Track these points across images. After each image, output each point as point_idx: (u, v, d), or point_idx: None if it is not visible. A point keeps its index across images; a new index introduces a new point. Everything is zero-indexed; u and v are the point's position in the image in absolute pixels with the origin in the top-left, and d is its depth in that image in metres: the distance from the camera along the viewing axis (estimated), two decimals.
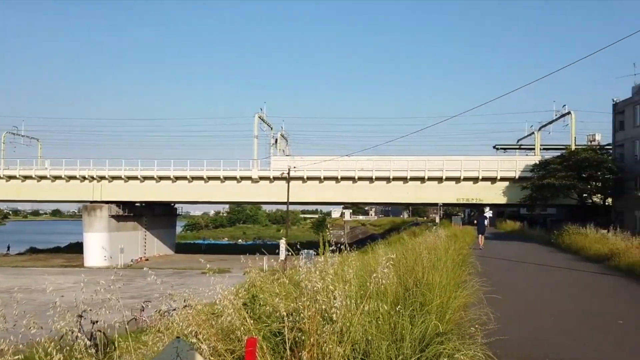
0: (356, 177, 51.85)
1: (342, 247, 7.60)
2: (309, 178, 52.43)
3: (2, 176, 55.28)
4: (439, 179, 51.32)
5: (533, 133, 60.49)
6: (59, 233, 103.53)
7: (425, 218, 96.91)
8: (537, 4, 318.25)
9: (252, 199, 61.90)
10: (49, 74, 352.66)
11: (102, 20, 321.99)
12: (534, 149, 59.35)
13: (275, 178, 52.49)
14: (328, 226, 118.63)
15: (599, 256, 20.76)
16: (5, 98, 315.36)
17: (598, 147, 51.50)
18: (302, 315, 4.72)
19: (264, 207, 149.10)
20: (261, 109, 58.21)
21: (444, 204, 56.51)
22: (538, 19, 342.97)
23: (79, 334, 4.95)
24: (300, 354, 4.46)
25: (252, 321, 4.96)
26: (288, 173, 50.27)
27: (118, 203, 55.47)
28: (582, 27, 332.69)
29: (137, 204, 58.97)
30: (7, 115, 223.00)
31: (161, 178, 54.17)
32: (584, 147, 49.94)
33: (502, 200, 51.77)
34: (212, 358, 4.55)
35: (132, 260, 54.49)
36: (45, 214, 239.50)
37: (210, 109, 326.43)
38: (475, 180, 51.06)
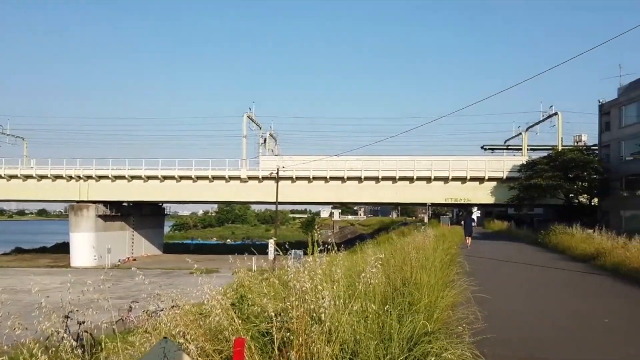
0: (345, 177, 51.89)
1: (330, 247, 7.59)
2: (298, 178, 52.37)
3: None
4: (428, 179, 51.54)
5: (520, 133, 61.02)
6: (45, 233, 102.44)
7: (414, 218, 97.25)
8: (524, 4, 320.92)
9: (241, 199, 61.68)
10: (34, 72, 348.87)
11: (89, 18, 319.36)
12: (521, 149, 59.86)
13: (264, 178, 52.37)
14: (316, 227, 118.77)
15: (585, 256, 20.97)
16: None
17: (584, 147, 51.98)
18: (290, 315, 4.72)
19: (253, 207, 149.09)
20: (250, 109, 58.17)
21: (433, 204, 56.71)
22: (527, 20, 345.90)
23: (65, 335, 4.90)
24: (288, 353, 4.46)
25: (240, 321, 4.94)
26: (277, 173, 50.19)
27: (105, 203, 54.98)
28: (570, 28, 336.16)
29: (124, 204, 58.49)
30: None
31: (149, 177, 53.78)
32: (570, 147, 50.38)
33: (490, 200, 52.10)
34: (199, 358, 4.52)
35: (119, 261, 54.05)
36: (31, 213, 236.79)
37: (198, 109, 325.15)
38: (463, 180, 51.35)
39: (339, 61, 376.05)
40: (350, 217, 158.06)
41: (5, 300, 5.49)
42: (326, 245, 7.28)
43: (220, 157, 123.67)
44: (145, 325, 6.23)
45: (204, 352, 4.63)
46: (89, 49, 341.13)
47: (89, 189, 54.15)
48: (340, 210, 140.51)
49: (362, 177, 51.75)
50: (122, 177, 53.88)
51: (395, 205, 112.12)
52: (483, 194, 51.65)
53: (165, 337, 4.33)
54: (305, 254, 7.09)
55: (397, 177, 51.57)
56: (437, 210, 78.78)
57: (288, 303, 4.89)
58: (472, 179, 51.19)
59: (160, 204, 67.29)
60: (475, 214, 72.92)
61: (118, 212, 57.35)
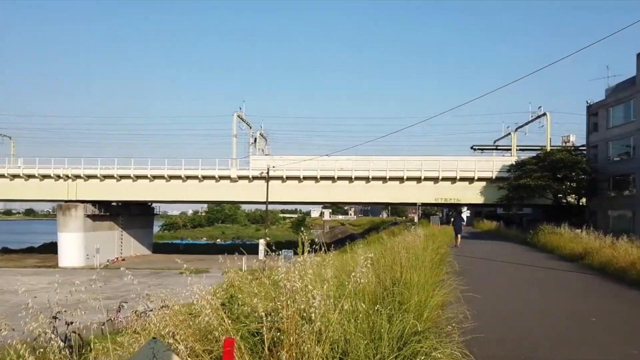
0: (335, 177, 51.93)
1: (319, 247, 7.59)
2: (289, 177, 52.34)
3: None
4: (418, 179, 51.72)
5: (510, 134, 61.47)
6: (33, 233, 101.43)
7: (404, 218, 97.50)
8: (514, 4, 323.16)
9: (231, 199, 61.54)
10: (20, 70, 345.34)
11: (77, 14, 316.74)
12: (510, 149, 60.28)
13: (255, 177, 52.28)
14: (308, 227, 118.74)
15: (574, 255, 21.16)
16: None
17: (573, 148, 52.49)
18: (281, 315, 4.71)
19: (243, 206, 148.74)
20: (240, 108, 58.03)
21: (423, 204, 56.94)
22: (517, 21, 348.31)
23: (53, 336, 4.86)
24: (279, 353, 4.45)
25: (230, 321, 4.93)
26: (267, 172, 50.12)
27: (94, 202, 54.55)
28: (560, 29, 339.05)
29: (113, 204, 58.08)
30: None
31: (138, 177, 53.47)
32: (559, 148, 50.83)
33: (480, 200, 52.41)
34: (189, 359, 4.50)
35: (108, 261, 53.67)
36: (18, 213, 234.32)
37: (188, 108, 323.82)
38: (453, 180, 51.60)
39: (331, 61, 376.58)
40: (340, 216, 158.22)
41: None
42: (314, 246, 7.27)
43: (210, 156, 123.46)
44: (135, 326, 6.20)
45: (194, 352, 4.61)
46: (77, 47, 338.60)
47: (77, 189, 53.70)
48: (330, 210, 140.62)
49: (353, 177, 51.82)
50: (110, 177, 53.50)
51: (385, 205, 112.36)
52: (472, 194, 51.95)
53: (154, 338, 4.31)
54: (296, 253, 7.08)
55: (388, 177, 51.70)
56: (427, 210, 79.02)
57: (278, 303, 4.88)
58: (462, 179, 51.47)
59: (150, 204, 66.92)
60: (465, 213, 73.28)
61: (107, 211, 56.94)
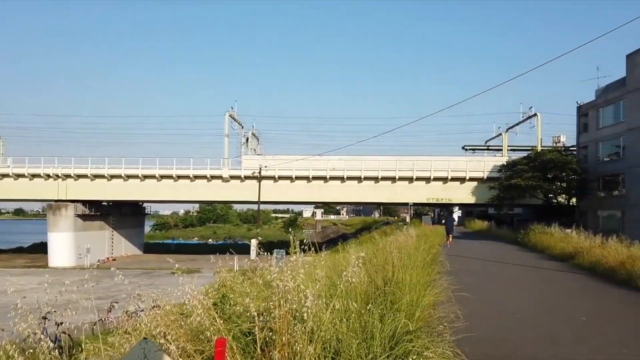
0: (328, 177, 51.95)
1: (312, 246, 7.58)
2: (281, 177, 52.29)
3: None
4: (410, 179, 51.86)
5: (501, 134, 61.82)
6: (22, 233, 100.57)
7: (396, 217, 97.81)
8: (505, 4, 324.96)
9: (223, 198, 61.37)
10: (9, 68, 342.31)
11: (69, 14, 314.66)
12: (501, 149, 60.61)
13: (247, 177, 52.17)
14: (300, 226, 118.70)
15: (564, 255, 21.31)
16: None
17: (563, 148, 52.83)
18: (273, 314, 4.70)
19: (235, 206, 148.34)
20: (232, 108, 57.92)
21: (415, 204, 57.12)
22: (509, 21, 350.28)
23: (42, 336, 4.82)
24: (271, 353, 4.44)
25: (222, 321, 4.91)
26: (259, 172, 50.04)
27: (84, 202, 54.17)
28: (551, 30, 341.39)
29: (104, 203, 57.70)
30: None
31: (129, 177, 53.17)
32: (549, 148, 51.14)
33: (471, 200, 52.65)
34: (180, 359, 4.48)
35: (98, 261, 53.29)
36: (8, 213, 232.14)
37: (180, 107, 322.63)
38: (444, 180, 51.80)
39: (324, 61, 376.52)
40: (332, 216, 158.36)
41: None
42: (303, 247, 7.27)
43: (202, 156, 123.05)
44: (125, 326, 6.16)
45: (185, 353, 4.60)
46: (68, 45, 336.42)
47: (67, 188, 53.31)
48: (322, 210, 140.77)
49: (345, 177, 51.86)
50: (101, 176, 53.16)
51: (377, 205, 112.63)
52: (464, 194, 52.18)
53: (145, 338, 4.29)
54: (288, 253, 7.09)
55: (380, 177, 51.80)
56: (419, 210, 79.30)
57: (271, 303, 4.88)
58: (454, 179, 51.68)
59: (141, 204, 66.56)
60: (456, 213, 73.65)
61: (97, 211, 56.58)
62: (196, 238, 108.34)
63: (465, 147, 68.22)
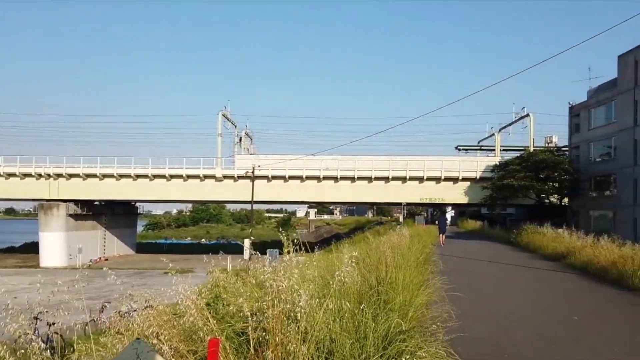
0: (321, 177, 51.94)
1: (301, 246, 7.57)
2: (274, 177, 52.23)
3: None
4: (403, 179, 51.96)
5: (494, 134, 62.04)
6: (13, 232, 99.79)
7: (389, 217, 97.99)
8: (499, 5, 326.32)
9: (216, 198, 61.20)
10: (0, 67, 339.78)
11: (63, 12, 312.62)
12: (494, 149, 60.83)
13: (240, 177, 52.06)
14: (294, 226, 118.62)
15: (556, 254, 21.42)
16: None
17: (555, 148, 53.09)
18: (266, 314, 4.69)
19: (228, 206, 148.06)
20: (225, 107, 57.76)
21: (408, 204, 57.22)
22: (501, 22, 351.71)
23: (34, 337, 4.78)
24: (264, 353, 4.44)
25: (215, 321, 4.90)
26: (252, 172, 49.95)
27: (76, 202, 53.87)
28: (544, 31, 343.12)
29: (96, 203, 57.40)
30: None
31: (121, 176, 52.92)
32: (541, 148, 51.38)
33: (464, 199, 52.81)
34: (173, 359, 4.46)
35: (90, 261, 53.05)
36: None
37: (173, 107, 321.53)
38: (437, 180, 51.92)
39: (317, 61, 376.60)
40: (326, 216, 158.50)
41: None
42: (294, 247, 7.27)
43: (195, 155, 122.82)
44: (118, 326, 6.13)
45: (178, 353, 4.58)
46: (59, 43, 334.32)
47: (59, 188, 52.99)
48: (316, 210, 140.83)
49: (338, 176, 51.89)
50: (93, 176, 52.88)
51: (371, 205, 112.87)
52: (457, 194, 52.34)
53: (138, 338, 4.27)
54: (281, 253, 7.08)
55: (373, 177, 51.86)
56: (412, 210, 79.52)
57: (264, 303, 4.87)
58: (447, 179, 51.82)
59: (133, 203, 66.25)
60: (449, 213, 73.85)
61: (89, 211, 56.27)
62: (189, 238, 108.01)
63: (459, 147, 68.45)
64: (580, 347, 7.43)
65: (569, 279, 15.83)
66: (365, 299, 6.32)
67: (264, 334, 4.61)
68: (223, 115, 56.55)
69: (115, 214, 61.61)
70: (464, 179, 51.78)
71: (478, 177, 51.02)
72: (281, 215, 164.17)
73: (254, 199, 51.30)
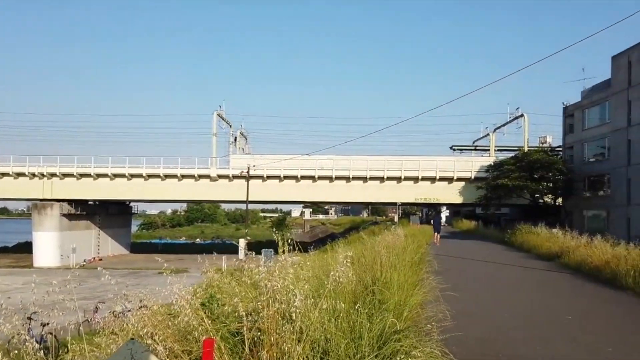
0: (316, 177, 51.94)
1: (295, 246, 7.57)
2: (269, 177, 52.19)
3: None
4: (398, 179, 52.01)
5: (488, 134, 62.16)
6: (7, 232, 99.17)
7: (384, 217, 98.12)
8: (494, 5, 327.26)
9: (211, 198, 61.07)
10: None
11: (58, 10, 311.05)
12: (489, 149, 60.98)
13: (235, 177, 51.98)
14: (289, 226, 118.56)
15: (550, 254, 21.50)
16: None
17: (549, 148, 53.29)
18: (261, 314, 4.69)
19: (223, 206, 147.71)
20: (220, 107, 57.55)
21: (403, 204, 57.31)
22: (496, 22, 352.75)
23: (27, 337, 4.76)
24: (259, 353, 4.43)
25: (210, 321, 4.89)
26: (247, 171, 49.88)
27: (70, 201, 53.62)
28: (539, 31, 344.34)
29: (90, 203, 57.15)
30: None
31: (116, 176, 52.72)
32: (536, 148, 51.56)
33: (459, 199, 52.92)
34: (168, 359, 4.45)
35: (84, 261, 52.81)
36: None
37: (168, 106, 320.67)
38: (432, 180, 52.00)
39: (313, 61, 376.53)
40: (321, 216, 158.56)
41: None
42: (289, 247, 7.27)
43: (190, 155, 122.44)
44: (112, 326, 6.11)
45: (173, 353, 4.57)
46: (52, 42, 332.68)
47: (52, 187, 52.75)
48: (311, 210, 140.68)
49: (333, 176, 51.89)
50: (87, 175, 52.66)
51: (366, 205, 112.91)
52: (452, 194, 52.44)
53: (132, 338, 4.25)
54: (276, 253, 7.08)
55: (368, 177, 51.89)
56: (407, 210, 79.66)
57: (259, 303, 4.86)
58: (441, 179, 51.91)
59: (128, 203, 66.00)
60: (444, 213, 74.04)
61: (83, 211, 56.02)
62: (184, 238, 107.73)
63: (453, 147, 68.54)
64: (575, 346, 7.47)
65: (563, 278, 15.90)
66: (360, 298, 6.33)
67: (259, 334, 4.61)
68: (218, 114, 56.41)
69: (110, 214, 61.39)
70: (459, 179, 51.88)
71: (473, 177, 51.13)
72: (276, 215, 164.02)
73: (249, 199, 51.22)
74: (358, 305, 5.41)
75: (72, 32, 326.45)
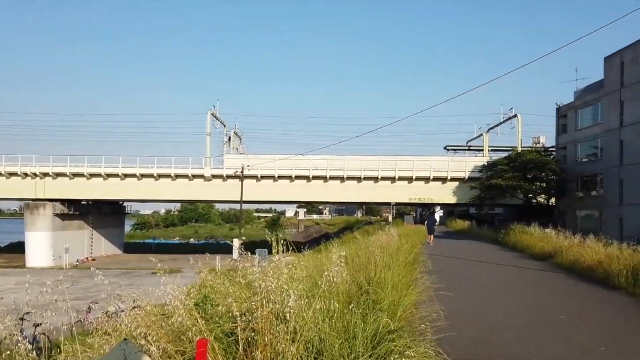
0: (310, 177, 51.92)
1: (288, 246, 7.57)
2: (263, 177, 52.11)
3: None
4: (392, 179, 52.08)
5: (482, 134, 62.38)
6: None
7: (378, 217, 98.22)
8: (487, 5, 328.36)
9: (205, 198, 60.89)
10: None
11: (55, 10, 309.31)
12: (482, 150, 61.19)
13: (229, 176, 51.86)
14: (283, 226, 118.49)
15: (543, 254, 21.59)
16: None
17: (542, 149, 53.53)
18: (255, 315, 4.68)
19: (217, 205, 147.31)
20: (214, 106, 57.44)
21: (397, 203, 57.38)
22: (491, 22, 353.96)
23: (20, 338, 4.73)
24: (253, 353, 4.42)
25: (203, 322, 4.87)
26: (241, 171, 49.79)
27: (63, 201, 53.32)
28: (533, 31, 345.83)
29: (83, 202, 56.84)
30: None
31: (109, 175, 52.47)
32: (529, 148, 51.78)
33: (452, 199, 53.06)
34: None
35: (77, 261, 52.55)
36: None
37: (161, 106, 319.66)
38: (426, 180, 52.10)
39: (307, 61, 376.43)
40: (315, 216, 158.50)
41: None
42: (283, 247, 7.26)
43: (183, 155, 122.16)
44: (105, 327, 6.08)
45: (166, 354, 4.55)
46: (46, 41, 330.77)
47: (45, 187, 52.45)
48: (305, 210, 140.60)
49: (327, 176, 51.88)
50: (80, 175, 52.39)
51: (360, 205, 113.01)
52: (445, 194, 52.56)
53: (125, 339, 4.23)
54: (270, 253, 7.07)
55: (362, 177, 51.93)
56: (401, 210, 79.76)
57: (253, 303, 4.86)
58: (435, 179, 52.02)
59: (121, 203, 65.69)
60: (438, 213, 74.21)
61: (76, 210, 55.71)
62: (177, 238, 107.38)
63: (447, 148, 68.77)
64: (568, 345, 7.50)
65: (556, 278, 15.97)
66: (354, 298, 6.33)
67: (252, 334, 4.60)
68: (212, 114, 56.29)
69: (103, 214, 61.11)
70: (453, 179, 52.02)
71: (466, 177, 51.28)
72: (270, 215, 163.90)
73: (243, 199, 51.13)
74: (352, 305, 5.41)
75: (68, 32, 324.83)
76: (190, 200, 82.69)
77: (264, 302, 4.72)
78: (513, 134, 57.81)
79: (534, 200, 46.49)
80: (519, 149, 51.58)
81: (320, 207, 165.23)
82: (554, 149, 49.83)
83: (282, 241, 6.74)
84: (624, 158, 36.02)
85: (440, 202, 55.40)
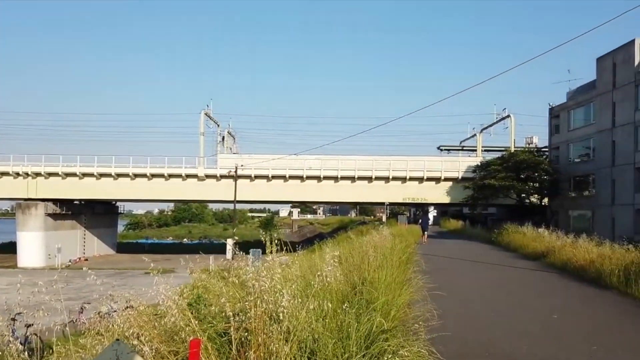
0: (304, 177, 51.90)
1: (283, 246, 7.56)
2: (257, 177, 52.02)
3: None
4: (386, 179, 52.16)
5: (475, 135, 62.63)
6: None
7: (372, 217, 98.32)
8: (481, 5, 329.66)
9: (198, 197, 60.71)
10: None
11: (49, 9, 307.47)
12: (476, 150, 61.41)
13: (222, 176, 51.75)
14: (277, 225, 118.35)
15: (536, 254, 21.67)
16: None
17: (535, 149, 53.78)
18: (248, 315, 4.67)
19: (211, 205, 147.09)
20: (207, 106, 57.36)
21: (391, 203, 57.47)
22: (486, 23, 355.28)
23: (11, 339, 4.70)
24: (246, 353, 4.41)
25: (197, 322, 4.86)
26: (235, 171, 49.70)
27: (55, 201, 52.99)
28: (527, 32, 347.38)
29: (75, 202, 56.52)
30: None
31: (102, 175, 52.19)
32: (522, 149, 52.02)
33: (446, 199, 53.21)
34: None
35: (70, 261, 52.26)
36: None
37: (155, 105, 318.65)
38: (420, 180, 52.23)
39: (300, 60, 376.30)
40: (309, 216, 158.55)
41: None
42: (276, 247, 7.25)
43: (177, 154, 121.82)
44: (98, 327, 6.05)
45: (159, 354, 4.53)
46: (45, 42, 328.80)
47: (37, 187, 52.10)
48: (299, 210, 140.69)
49: (321, 176, 51.88)
50: (73, 175, 52.07)
51: (354, 205, 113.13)
52: (439, 194, 52.71)
53: (118, 339, 4.21)
54: (264, 252, 7.06)
55: (356, 177, 51.98)
56: (395, 210, 79.86)
57: (246, 303, 4.85)
58: (429, 179, 52.16)
59: (114, 203, 65.40)
60: (432, 213, 74.37)
61: (69, 210, 55.40)
62: (171, 237, 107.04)
63: (441, 148, 68.95)
64: (560, 345, 7.53)
65: (548, 277, 16.03)
66: (348, 298, 6.33)
67: (246, 334, 4.59)
68: (205, 114, 56.16)
69: (96, 214, 60.79)
70: (446, 179, 52.17)
71: (460, 177, 51.44)
72: (264, 214, 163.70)
73: (237, 199, 51.04)
74: (346, 305, 5.41)
75: (63, 31, 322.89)
76: (184, 200, 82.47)
77: (258, 302, 4.71)
78: (506, 135, 58.23)
79: (527, 200, 46.70)
80: (512, 149, 51.81)
81: (314, 207, 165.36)
82: (546, 150, 50.09)
83: (275, 241, 6.73)
84: (616, 158, 36.26)
85: (434, 202, 55.54)
